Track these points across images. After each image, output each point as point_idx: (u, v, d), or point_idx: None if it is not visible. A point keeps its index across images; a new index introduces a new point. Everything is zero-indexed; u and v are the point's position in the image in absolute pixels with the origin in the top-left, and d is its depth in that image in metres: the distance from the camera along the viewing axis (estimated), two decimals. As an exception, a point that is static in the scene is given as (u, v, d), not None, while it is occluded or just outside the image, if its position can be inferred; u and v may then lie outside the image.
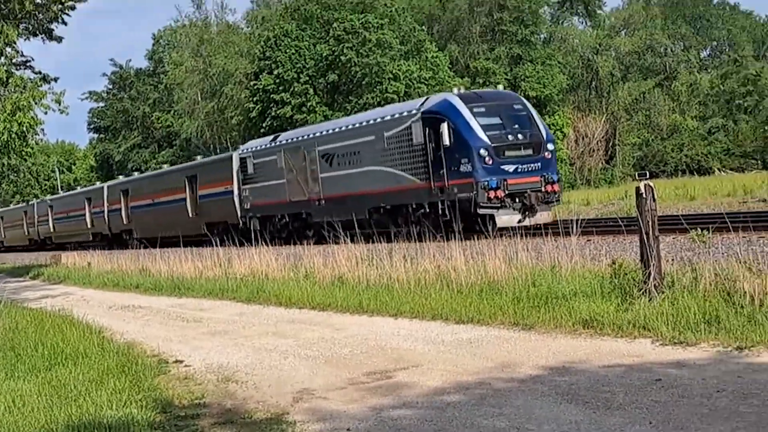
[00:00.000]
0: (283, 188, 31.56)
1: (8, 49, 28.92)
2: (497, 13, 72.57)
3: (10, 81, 28.24)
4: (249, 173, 33.99)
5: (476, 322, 11.76)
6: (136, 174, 57.01)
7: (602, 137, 74.42)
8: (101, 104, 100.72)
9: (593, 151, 74.40)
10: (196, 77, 77.38)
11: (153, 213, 44.60)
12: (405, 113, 25.58)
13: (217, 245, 25.88)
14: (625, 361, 8.72)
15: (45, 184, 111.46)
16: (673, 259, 12.60)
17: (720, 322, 9.31)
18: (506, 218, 22.26)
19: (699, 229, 13.19)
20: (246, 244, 25.47)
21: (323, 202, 29.24)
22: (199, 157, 47.82)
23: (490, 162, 22.67)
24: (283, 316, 15.12)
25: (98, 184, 58.67)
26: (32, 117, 27.66)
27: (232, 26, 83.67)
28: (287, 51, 63.29)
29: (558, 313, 10.99)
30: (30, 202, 72.08)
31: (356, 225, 22.79)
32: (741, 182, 41.29)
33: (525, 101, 25.56)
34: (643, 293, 10.47)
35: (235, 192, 35.20)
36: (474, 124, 23.13)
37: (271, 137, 35.56)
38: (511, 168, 22.75)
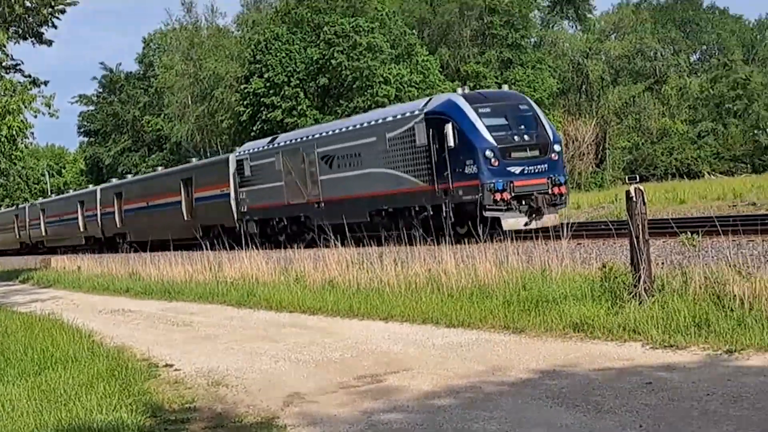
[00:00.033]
0: (281, 191, 31.02)
1: (-2, 53, 28.84)
2: (487, 17, 72.63)
3: (-1, 84, 28.14)
4: (246, 176, 33.44)
5: (467, 326, 11.77)
6: (129, 176, 56.41)
7: (592, 141, 74.48)
8: (91, 108, 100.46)
9: (583, 154, 74.46)
10: (186, 81, 77.25)
11: (147, 216, 43.97)
12: (408, 114, 25.00)
13: (207, 249, 25.76)
14: (615, 364, 8.74)
15: (35, 188, 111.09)
16: (663, 263, 12.63)
17: (710, 326, 9.34)
18: (512, 221, 21.77)
19: (689, 233, 13.23)
20: (243, 247, 25.21)
21: (323, 204, 28.64)
22: (194, 160, 47.23)
23: (496, 163, 22.08)
24: (274, 320, 15.11)
25: (91, 187, 58.01)
26: (22, 120, 27.53)
27: (222, 30, 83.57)
28: (278, 54, 63.24)
29: (548, 317, 11.01)
30: (21, 206, 71.69)
31: (362, 228, 22.48)
32: (730, 186, 41.46)
33: (531, 101, 24.94)
34: (633, 297, 10.49)
35: (232, 195, 34.80)
36: (479, 124, 22.56)
37: (269, 139, 35.02)
38: (517, 169, 22.15)
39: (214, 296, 19.60)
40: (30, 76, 30.68)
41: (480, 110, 22.97)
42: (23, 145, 30.29)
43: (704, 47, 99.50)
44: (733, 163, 76.67)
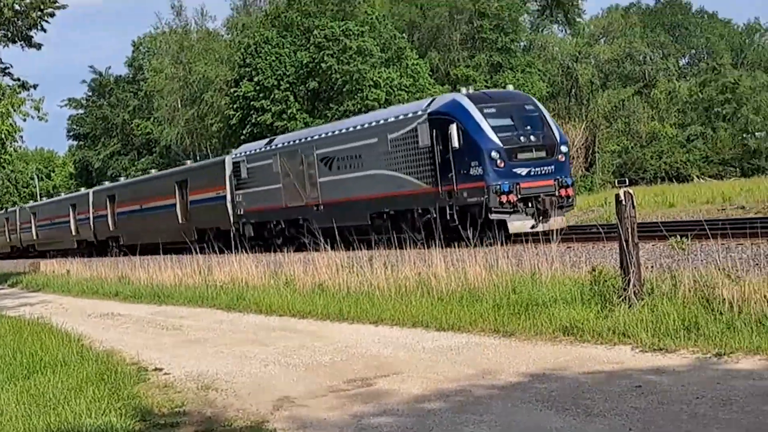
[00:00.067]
0: (278, 193, 30.53)
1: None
2: (477, 21, 72.70)
3: (-12, 88, 28.11)
4: (242, 178, 32.97)
5: (457, 329, 11.77)
6: (122, 179, 55.73)
7: (582, 144, 74.58)
8: (80, 111, 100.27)
9: (573, 158, 74.51)
10: (176, 84, 77.09)
11: (141, 219, 43.39)
12: (410, 114, 24.43)
13: (197, 252, 25.61)
14: (605, 367, 8.75)
15: (24, 192, 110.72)
16: (652, 266, 12.67)
17: (699, 329, 9.36)
18: (518, 224, 21.21)
19: (678, 236, 13.26)
20: (233, 251, 25.02)
21: (322, 207, 28.14)
22: (188, 162, 46.75)
23: (502, 165, 21.49)
24: (263, 324, 15.09)
25: (83, 190, 57.50)
26: (11, 124, 27.53)
27: (212, 33, 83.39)
28: (267, 58, 63.18)
29: (538, 320, 11.02)
30: (11, 209, 71.28)
31: (369, 231, 22.08)
32: (719, 189, 41.51)
33: (537, 102, 24.33)
34: (622, 300, 10.51)
35: (228, 197, 34.46)
36: (485, 125, 21.96)
37: (266, 140, 34.61)
38: (523, 171, 21.60)
39: (203, 300, 19.56)
40: (19, 80, 30.71)
41: (485, 110, 22.42)
42: (12, 149, 30.24)
43: (693, 51, 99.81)
44: (722, 167, 76.84)
